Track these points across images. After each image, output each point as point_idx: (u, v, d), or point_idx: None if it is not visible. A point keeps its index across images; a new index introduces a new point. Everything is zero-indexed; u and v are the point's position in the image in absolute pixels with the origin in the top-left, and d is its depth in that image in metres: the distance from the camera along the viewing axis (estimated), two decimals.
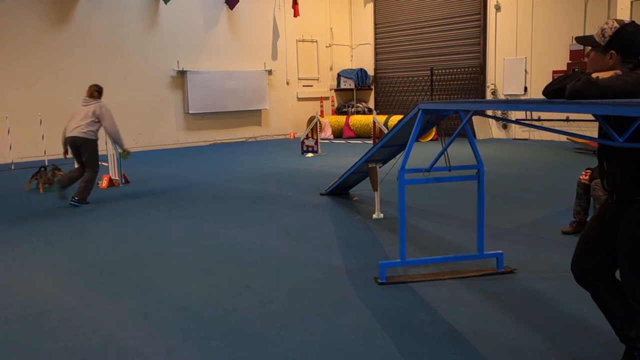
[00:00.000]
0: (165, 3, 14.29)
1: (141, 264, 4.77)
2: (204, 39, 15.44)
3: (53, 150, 11.85)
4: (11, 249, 5.35)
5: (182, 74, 14.99)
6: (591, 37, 2.62)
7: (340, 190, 7.47)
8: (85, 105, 7.67)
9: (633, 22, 2.58)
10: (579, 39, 2.82)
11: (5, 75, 12.34)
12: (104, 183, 8.69)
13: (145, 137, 14.28)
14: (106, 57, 13.68)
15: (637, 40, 2.53)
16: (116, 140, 8.00)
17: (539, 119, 3.51)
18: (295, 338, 3.22)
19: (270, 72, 16.66)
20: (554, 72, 12.91)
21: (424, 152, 5.45)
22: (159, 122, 14.71)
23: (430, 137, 13.96)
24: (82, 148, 7.52)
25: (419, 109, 4.29)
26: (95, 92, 7.86)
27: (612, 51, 2.54)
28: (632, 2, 10.17)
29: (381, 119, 14.12)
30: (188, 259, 4.88)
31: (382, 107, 17.51)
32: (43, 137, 11.33)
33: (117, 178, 8.93)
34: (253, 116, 16.58)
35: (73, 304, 3.89)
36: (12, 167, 11.38)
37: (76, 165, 7.97)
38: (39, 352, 3.14)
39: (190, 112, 15.16)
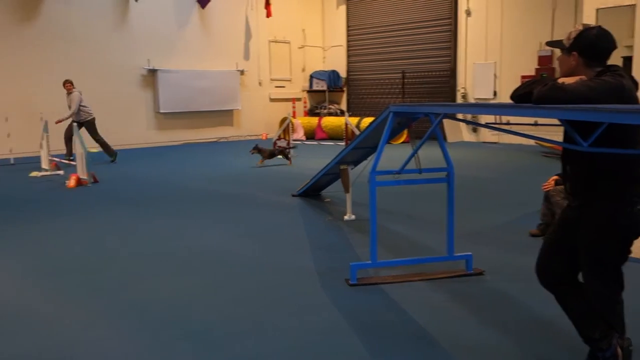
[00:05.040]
0: (136, 0, 14.09)
1: (107, 265, 4.69)
2: (175, 37, 15.27)
3: (21, 148, 11.60)
4: None
5: (152, 72, 14.80)
6: (560, 41, 2.69)
7: (312, 192, 7.48)
8: None
9: (599, 26, 2.63)
10: (550, 43, 2.89)
11: None
12: (72, 182, 8.53)
13: (115, 136, 14.01)
14: (75, 54, 13.42)
15: (599, 44, 2.58)
16: None
17: (507, 123, 3.58)
18: (261, 339, 3.21)
19: (242, 72, 16.57)
20: (522, 77, 13.14)
21: (395, 154, 5.47)
22: (129, 121, 14.49)
23: (402, 140, 14.06)
24: None
25: (390, 112, 4.32)
26: None
27: (575, 52, 2.61)
28: (597, 10, 10.42)
29: (353, 120, 14.16)
30: (155, 260, 4.82)
31: (354, 109, 17.58)
32: (9, 135, 11.07)
33: (85, 177, 8.76)
34: (225, 116, 16.47)
35: (36, 305, 3.80)
36: None
37: None
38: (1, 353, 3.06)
39: (161, 111, 14.99)
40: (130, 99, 14.54)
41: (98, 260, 4.85)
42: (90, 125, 11.29)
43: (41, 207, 7.20)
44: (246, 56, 16.76)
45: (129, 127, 14.46)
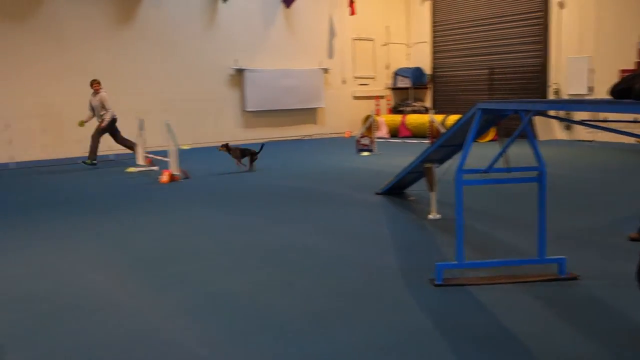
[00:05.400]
0: (224, 2, 14.57)
1: (187, 258, 4.88)
2: (261, 37, 15.65)
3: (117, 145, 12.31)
4: (64, 241, 5.57)
5: (240, 72, 15.25)
6: None
7: (396, 190, 7.43)
8: None
9: None
10: None
11: (67, 70, 12.83)
12: (165, 178, 8.96)
13: (204, 134, 14.61)
14: (167, 56, 14.08)
15: None
16: None
17: (605, 120, 3.39)
18: (339, 337, 3.21)
19: (326, 70, 16.71)
20: (621, 71, 12.35)
21: (482, 152, 5.33)
22: (218, 119, 15.02)
23: (489, 138, 13.65)
24: None
25: (478, 109, 4.21)
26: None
27: None
28: None
29: (438, 118, 13.91)
30: (234, 254, 4.96)
31: (439, 106, 17.24)
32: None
33: (177, 173, 9.17)
34: (309, 114, 16.68)
35: (120, 295, 4.02)
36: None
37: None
38: (88, 340, 3.26)
39: (247, 109, 15.42)
40: (219, 98, 15.06)
41: (179, 253, 5.04)
42: (111, 126, 11.30)
43: (135, 201, 7.61)
44: (330, 54, 16.88)
45: (217, 125, 14.99)
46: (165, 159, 9.51)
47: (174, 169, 9.23)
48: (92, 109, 11.29)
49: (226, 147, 10.10)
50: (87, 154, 11.14)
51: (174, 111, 13.53)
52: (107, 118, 11.13)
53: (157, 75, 13.90)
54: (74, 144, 12.38)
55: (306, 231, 5.69)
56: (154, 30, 13.92)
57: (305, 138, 16.48)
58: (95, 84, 11.27)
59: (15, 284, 4.29)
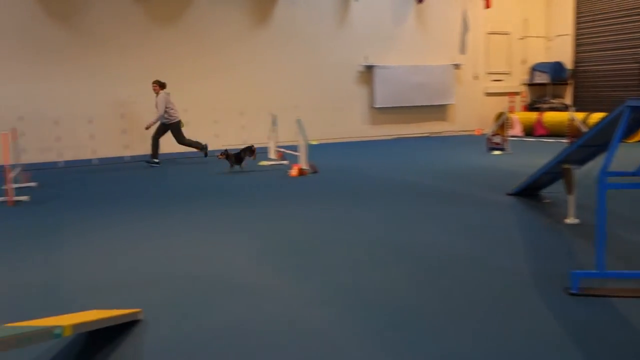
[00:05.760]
0: (356, 0, 14.72)
1: (324, 250, 4.99)
2: (392, 33, 15.60)
3: (254, 140, 12.95)
4: (209, 229, 5.97)
5: (369, 68, 15.33)
6: None
7: (529, 191, 7.06)
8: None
9: None
10: None
11: (209, 70, 13.68)
12: (294, 172, 9.28)
13: (332, 130, 14.90)
14: (300, 54, 14.51)
15: None
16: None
17: None
18: (477, 341, 3.13)
19: (457, 66, 16.27)
20: None
21: (630, 154, 4.91)
22: (345, 115, 15.24)
23: (638, 138, 12.51)
24: None
25: (627, 106, 3.88)
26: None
27: None
28: None
29: (579, 116, 13.00)
30: (369, 249, 5.00)
31: (580, 104, 16.10)
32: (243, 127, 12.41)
33: (306, 167, 9.45)
34: (438, 111, 16.37)
35: (260, 281, 4.21)
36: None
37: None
38: (233, 320, 3.45)
39: (376, 106, 15.47)
40: (348, 94, 15.25)
41: (316, 244, 5.19)
42: (174, 128, 11.26)
43: (268, 192, 7.97)
44: (461, 50, 16.39)
45: (345, 121, 15.21)
46: (295, 154, 9.84)
47: (304, 163, 9.52)
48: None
49: (225, 154, 10.09)
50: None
51: (304, 107, 13.94)
52: (152, 120, 11.15)
53: (289, 72, 14.39)
54: (214, 139, 13.19)
55: (435, 230, 5.60)
56: (288, 29, 14.41)
57: (433, 135, 16.20)
58: (154, 85, 11.25)
59: (171, 266, 4.68)
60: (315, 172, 9.52)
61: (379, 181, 8.64)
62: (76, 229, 6.04)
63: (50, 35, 12.20)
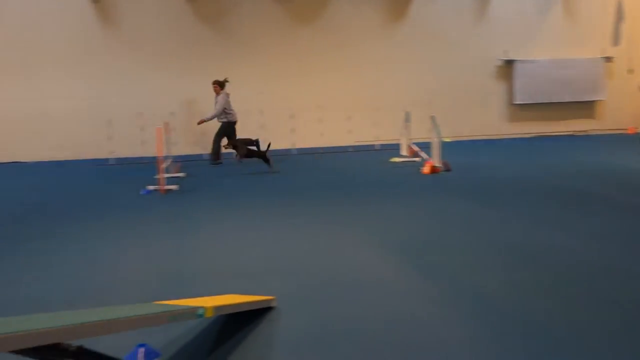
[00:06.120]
0: None
1: (442, 249, 4.85)
2: (535, 25, 14.76)
3: (386, 135, 12.94)
4: (334, 221, 6.05)
5: (509, 63, 14.63)
6: None
7: None
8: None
9: None
10: None
11: (344, 66, 13.87)
12: (426, 169, 9.13)
13: (466, 127, 14.46)
14: (435, 50, 14.24)
15: None
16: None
17: None
18: (605, 355, 2.86)
19: (609, 59, 14.99)
20: None
21: None
22: (481, 112, 14.70)
23: None
24: None
25: None
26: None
27: None
28: None
29: None
30: (490, 251, 4.76)
31: None
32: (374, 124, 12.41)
33: (439, 165, 9.26)
34: (585, 108, 15.21)
35: (379, 276, 4.19)
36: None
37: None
38: (348, 312, 3.45)
39: (516, 102, 14.73)
40: (484, 90, 14.69)
41: (438, 243, 5.05)
42: (232, 130, 11.33)
43: (400, 189, 7.91)
44: (615, 41, 15.06)
45: (481, 118, 14.67)
46: (426, 151, 9.67)
47: (436, 160, 9.33)
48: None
49: (232, 144, 10.05)
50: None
51: (438, 104, 13.67)
52: (207, 117, 11.31)
53: (423, 68, 14.18)
54: (347, 134, 13.38)
55: (567, 235, 5.18)
56: (423, 26, 14.20)
57: (579, 134, 15.08)
58: (214, 85, 11.39)
59: (297, 259, 4.85)
60: (448, 170, 9.29)
61: (512, 181, 8.19)
62: (214, 217, 6.46)
63: (199, 35, 13.14)
